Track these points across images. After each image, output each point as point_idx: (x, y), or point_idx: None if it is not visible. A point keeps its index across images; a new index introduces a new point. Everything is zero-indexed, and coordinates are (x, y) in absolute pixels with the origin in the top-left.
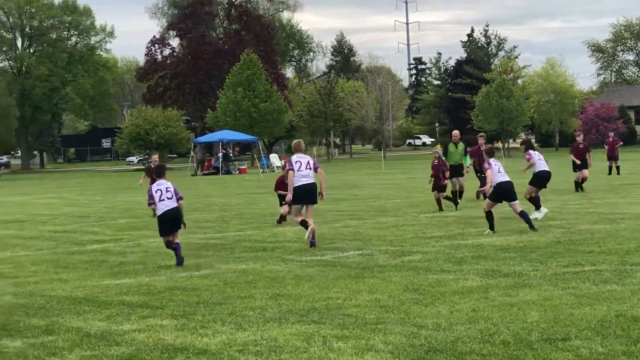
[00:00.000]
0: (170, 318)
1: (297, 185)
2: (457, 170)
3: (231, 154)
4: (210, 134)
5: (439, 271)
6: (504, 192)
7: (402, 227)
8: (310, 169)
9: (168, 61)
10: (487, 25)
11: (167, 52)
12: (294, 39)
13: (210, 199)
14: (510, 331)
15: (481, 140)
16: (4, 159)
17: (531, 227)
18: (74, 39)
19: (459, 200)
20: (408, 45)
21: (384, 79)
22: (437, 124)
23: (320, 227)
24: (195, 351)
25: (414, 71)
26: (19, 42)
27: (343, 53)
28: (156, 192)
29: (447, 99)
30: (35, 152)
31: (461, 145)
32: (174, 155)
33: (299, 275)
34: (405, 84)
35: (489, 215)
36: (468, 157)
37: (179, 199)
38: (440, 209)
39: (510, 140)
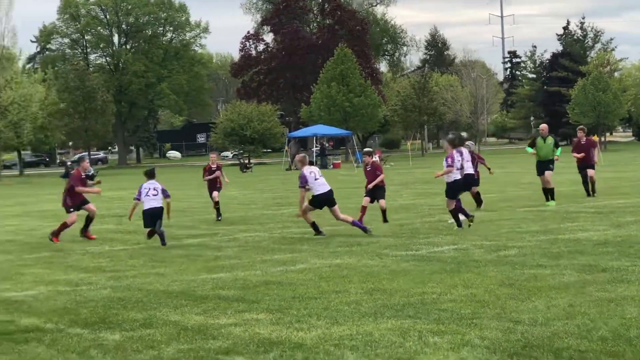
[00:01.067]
0: (266, 312)
1: (317, 193)
2: (545, 165)
3: (326, 148)
4: (305, 129)
5: (535, 266)
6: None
7: (497, 221)
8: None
9: (262, 56)
10: (583, 18)
11: (261, 47)
12: (388, 34)
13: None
14: (608, 327)
15: (580, 134)
16: (101, 154)
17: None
18: (169, 35)
19: (549, 196)
20: (503, 38)
21: (478, 73)
22: (532, 118)
23: (414, 221)
24: (290, 345)
25: (508, 65)
26: (115, 39)
27: (437, 47)
28: (145, 189)
29: (543, 92)
30: (132, 148)
31: (550, 139)
32: (269, 150)
33: (394, 270)
34: (500, 77)
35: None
36: (559, 149)
37: (166, 196)
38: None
39: (607, 134)
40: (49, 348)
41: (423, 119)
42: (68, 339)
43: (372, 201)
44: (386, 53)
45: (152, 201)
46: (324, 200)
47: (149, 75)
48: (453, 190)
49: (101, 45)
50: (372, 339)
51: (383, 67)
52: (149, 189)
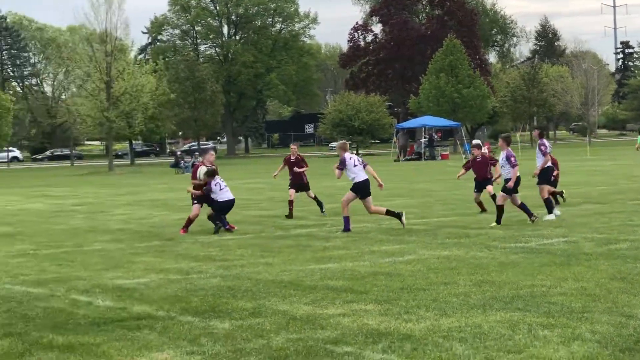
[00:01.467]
0: (374, 303)
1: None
2: None
3: (435, 140)
4: (413, 120)
5: None
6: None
7: (609, 214)
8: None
9: (371, 47)
10: None
11: (370, 38)
12: (497, 24)
13: (413, 184)
14: None
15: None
16: (210, 144)
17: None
18: (278, 25)
19: None
20: (615, 28)
21: (589, 64)
22: None
23: (523, 214)
24: (399, 336)
25: (620, 55)
26: (225, 30)
27: (547, 37)
28: (216, 184)
29: None
30: (241, 138)
31: None
32: (377, 141)
33: (503, 262)
34: (612, 68)
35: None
36: None
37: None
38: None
39: None
40: (161, 335)
41: (532, 110)
42: (179, 326)
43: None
44: (495, 44)
45: (228, 193)
46: (363, 188)
47: (257, 66)
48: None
49: (211, 36)
50: (481, 331)
51: (492, 58)
52: (221, 183)
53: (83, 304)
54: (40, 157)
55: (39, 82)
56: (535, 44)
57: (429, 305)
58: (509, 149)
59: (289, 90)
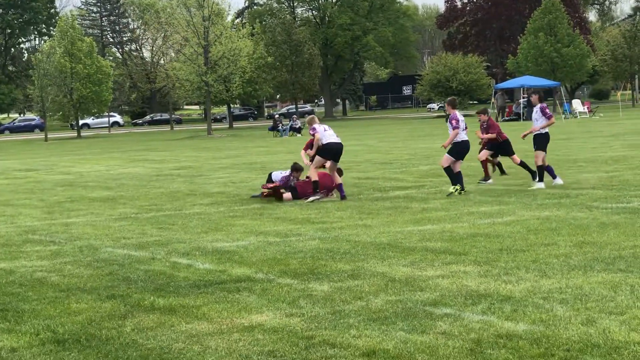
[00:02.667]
0: (474, 264)
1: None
2: None
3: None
4: (511, 80)
5: None
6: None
7: None
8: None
9: (468, 7)
10: None
11: None
12: None
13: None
14: None
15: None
16: (308, 107)
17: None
18: None
19: None
20: None
21: None
22: None
23: (625, 173)
24: (499, 298)
25: None
26: None
27: None
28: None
29: None
30: (338, 100)
31: None
32: (475, 102)
33: (604, 223)
34: None
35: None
36: None
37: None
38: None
39: None
40: (260, 297)
41: (634, 68)
42: (278, 288)
43: (495, 155)
44: (596, 2)
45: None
46: (335, 151)
47: (354, 28)
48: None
49: None
50: (582, 293)
51: (592, 16)
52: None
53: (183, 266)
54: (140, 121)
55: (138, 47)
56: (637, 1)
57: (528, 266)
58: (542, 103)
59: (386, 52)
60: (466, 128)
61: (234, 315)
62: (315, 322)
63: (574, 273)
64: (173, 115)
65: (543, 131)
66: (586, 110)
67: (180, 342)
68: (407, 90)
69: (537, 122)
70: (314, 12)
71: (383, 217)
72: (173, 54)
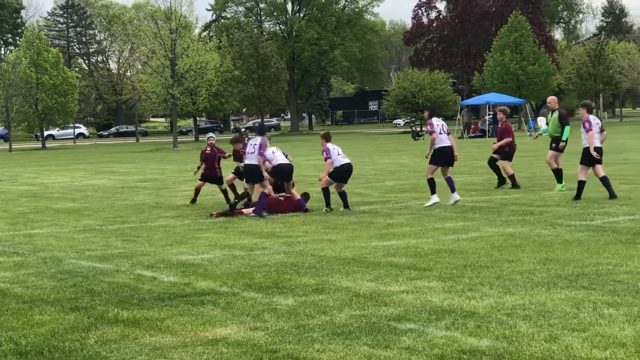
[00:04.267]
0: (438, 280)
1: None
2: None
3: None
4: (477, 97)
5: None
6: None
7: None
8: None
9: (435, 24)
10: None
11: (434, 15)
12: (564, 1)
13: (477, 161)
14: None
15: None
16: (274, 121)
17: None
18: (342, 2)
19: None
20: None
21: None
22: None
23: (588, 190)
24: (462, 314)
25: None
26: (289, 7)
27: (614, 14)
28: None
29: None
30: (304, 115)
31: (556, 114)
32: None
33: (568, 240)
34: None
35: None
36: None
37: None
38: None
39: None
40: (225, 311)
41: (599, 87)
42: (243, 302)
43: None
44: (561, 20)
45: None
46: (285, 171)
47: (321, 43)
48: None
49: (275, 13)
50: (545, 309)
51: (558, 34)
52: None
53: (148, 279)
54: (105, 133)
55: (104, 59)
56: (602, 21)
57: (492, 282)
58: (588, 115)
59: (352, 67)
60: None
61: (198, 328)
62: (279, 336)
63: (538, 289)
64: (139, 128)
65: (587, 144)
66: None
67: (144, 355)
68: (373, 106)
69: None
70: (281, 26)
71: (348, 232)
72: (140, 66)
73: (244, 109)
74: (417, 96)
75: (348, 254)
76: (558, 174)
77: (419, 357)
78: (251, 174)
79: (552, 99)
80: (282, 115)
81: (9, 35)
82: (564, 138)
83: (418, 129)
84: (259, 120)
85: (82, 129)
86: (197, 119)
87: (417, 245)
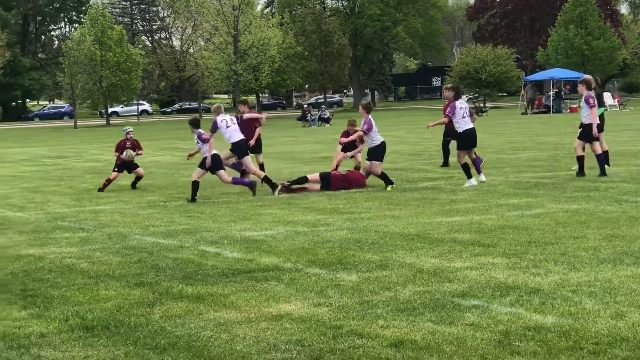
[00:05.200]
0: (502, 256)
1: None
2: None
3: (563, 93)
4: (541, 72)
5: None
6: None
7: None
8: None
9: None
10: None
11: None
12: None
13: (541, 137)
14: None
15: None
16: (337, 97)
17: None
18: None
19: None
20: None
21: None
22: None
23: None
24: (527, 290)
25: None
26: None
27: None
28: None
29: None
30: (367, 91)
31: None
32: (504, 94)
33: (634, 217)
34: None
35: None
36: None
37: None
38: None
39: None
40: (288, 287)
41: None
42: (306, 278)
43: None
44: None
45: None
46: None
47: (384, 19)
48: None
49: None
50: (611, 286)
51: (623, 9)
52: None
53: (211, 255)
54: (169, 110)
55: (167, 36)
56: None
57: (557, 259)
58: (589, 91)
59: (415, 44)
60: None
61: (262, 304)
62: (343, 312)
63: (603, 266)
64: (202, 104)
65: (587, 122)
66: (616, 103)
67: (208, 330)
68: (436, 82)
69: (584, 110)
70: (343, 2)
71: (411, 208)
72: (202, 43)
73: (307, 86)
74: (480, 72)
75: (412, 230)
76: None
77: (484, 334)
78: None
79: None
80: (344, 91)
81: (74, 13)
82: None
83: (481, 104)
84: (322, 96)
85: (146, 106)
86: (260, 95)
87: (481, 222)
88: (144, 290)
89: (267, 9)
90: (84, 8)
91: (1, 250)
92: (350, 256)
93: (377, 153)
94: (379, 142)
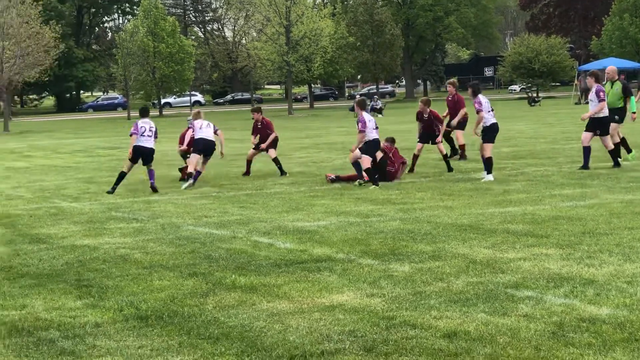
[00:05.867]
0: (556, 247)
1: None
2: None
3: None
4: (595, 62)
5: None
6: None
7: None
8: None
9: None
10: None
11: None
12: None
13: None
14: None
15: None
16: (389, 87)
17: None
18: None
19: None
20: None
21: None
22: None
23: None
24: (581, 281)
25: None
26: None
27: None
28: (140, 127)
29: None
30: (419, 81)
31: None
32: (557, 84)
33: None
34: None
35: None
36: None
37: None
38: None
39: None
40: (341, 277)
41: None
42: (359, 268)
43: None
44: None
45: (145, 141)
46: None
47: (436, 9)
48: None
49: None
50: None
51: None
52: (145, 128)
53: (264, 245)
54: (221, 101)
55: (220, 27)
56: None
57: (612, 250)
58: (598, 84)
59: (467, 33)
60: (492, 110)
61: (315, 294)
62: (396, 303)
63: None
64: (254, 95)
65: (597, 116)
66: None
67: (261, 321)
68: (488, 72)
69: (592, 103)
70: None
71: (464, 199)
72: (255, 34)
73: (359, 76)
74: (534, 62)
75: (464, 220)
76: (625, 144)
77: (537, 325)
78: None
79: (611, 70)
80: (397, 81)
81: (127, 5)
82: (634, 109)
83: (534, 94)
84: (374, 87)
85: (199, 97)
86: (312, 86)
87: (534, 212)
88: (197, 280)
89: (319, 0)
90: (137, 0)
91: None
92: (402, 247)
93: (369, 149)
94: (372, 138)
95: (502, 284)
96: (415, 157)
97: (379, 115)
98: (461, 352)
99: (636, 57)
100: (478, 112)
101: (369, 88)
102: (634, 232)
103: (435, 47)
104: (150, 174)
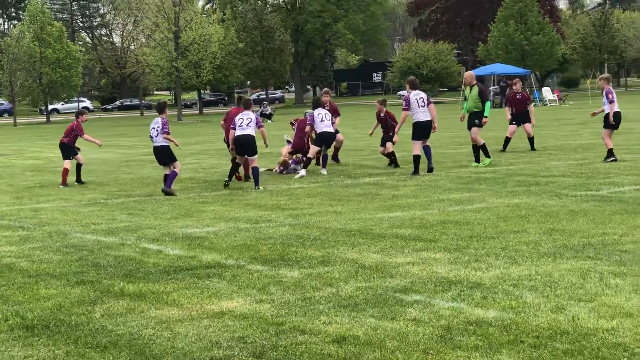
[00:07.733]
0: (444, 251)
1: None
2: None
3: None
4: (482, 68)
5: None
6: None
7: None
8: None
9: None
10: None
11: None
12: None
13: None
14: None
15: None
16: (278, 93)
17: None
18: None
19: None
20: None
21: None
22: None
23: (594, 161)
24: (469, 285)
25: None
26: None
27: None
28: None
29: None
30: (309, 87)
31: (475, 90)
32: (445, 89)
33: (574, 210)
34: None
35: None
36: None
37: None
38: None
39: None
40: (230, 284)
41: (603, 57)
42: (248, 275)
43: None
44: None
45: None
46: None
47: (325, 15)
48: None
49: None
50: (552, 280)
51: (562, 4)
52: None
53: (153, 252)
54: (110, 107)
55: (108, 32)
56: None
57: (498, 253)
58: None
59: (356, 39)
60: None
61: (204, 301)
62: (285, 309)
63: (544, 260)
64: (143, 101)
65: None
66: (556, 98)
67: (150, 328)
68: (377, 77)
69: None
70: None
71: (353, 204)
72: (143, 40)
73: (248, 82)
74: (422, 67)
75: (353, 225)
76: (485, 150)
77: (426, 329)
78: (162, 154)
79: (468, 75)
80: (286, 87)
81: (12, 10)
82: (487, 114)
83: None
84: (263, 92)
85: (87, 103)
86: (202, 91)
87: (423, 217)
88: (84, 288)
89: (208, 5)
90: (23, 4)
91: None
92: (292, 252)
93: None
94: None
95: (391, 288)
96: (387, 155)
97: (269, 121)
98: (350, 356)
99: (521, 63)
100: (404, 110)
101: (258, 94)
102: (520, 236)
103: (325, 52)
104: (171, 175)
